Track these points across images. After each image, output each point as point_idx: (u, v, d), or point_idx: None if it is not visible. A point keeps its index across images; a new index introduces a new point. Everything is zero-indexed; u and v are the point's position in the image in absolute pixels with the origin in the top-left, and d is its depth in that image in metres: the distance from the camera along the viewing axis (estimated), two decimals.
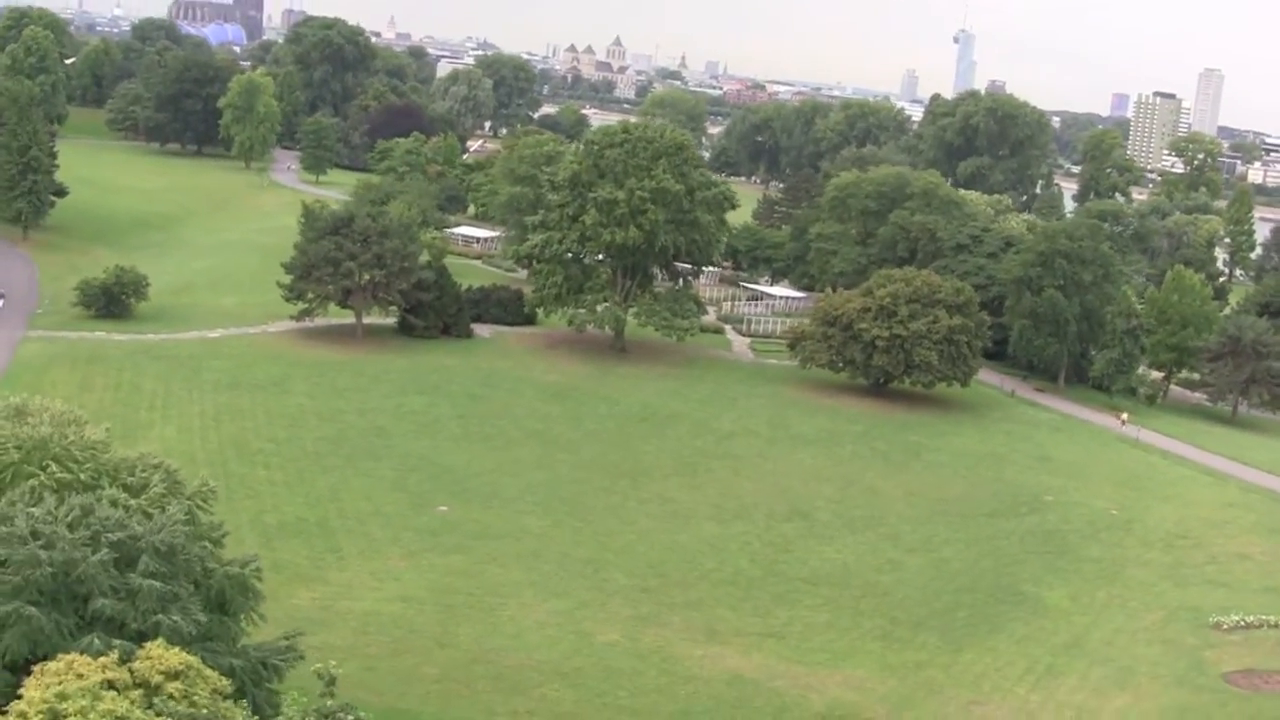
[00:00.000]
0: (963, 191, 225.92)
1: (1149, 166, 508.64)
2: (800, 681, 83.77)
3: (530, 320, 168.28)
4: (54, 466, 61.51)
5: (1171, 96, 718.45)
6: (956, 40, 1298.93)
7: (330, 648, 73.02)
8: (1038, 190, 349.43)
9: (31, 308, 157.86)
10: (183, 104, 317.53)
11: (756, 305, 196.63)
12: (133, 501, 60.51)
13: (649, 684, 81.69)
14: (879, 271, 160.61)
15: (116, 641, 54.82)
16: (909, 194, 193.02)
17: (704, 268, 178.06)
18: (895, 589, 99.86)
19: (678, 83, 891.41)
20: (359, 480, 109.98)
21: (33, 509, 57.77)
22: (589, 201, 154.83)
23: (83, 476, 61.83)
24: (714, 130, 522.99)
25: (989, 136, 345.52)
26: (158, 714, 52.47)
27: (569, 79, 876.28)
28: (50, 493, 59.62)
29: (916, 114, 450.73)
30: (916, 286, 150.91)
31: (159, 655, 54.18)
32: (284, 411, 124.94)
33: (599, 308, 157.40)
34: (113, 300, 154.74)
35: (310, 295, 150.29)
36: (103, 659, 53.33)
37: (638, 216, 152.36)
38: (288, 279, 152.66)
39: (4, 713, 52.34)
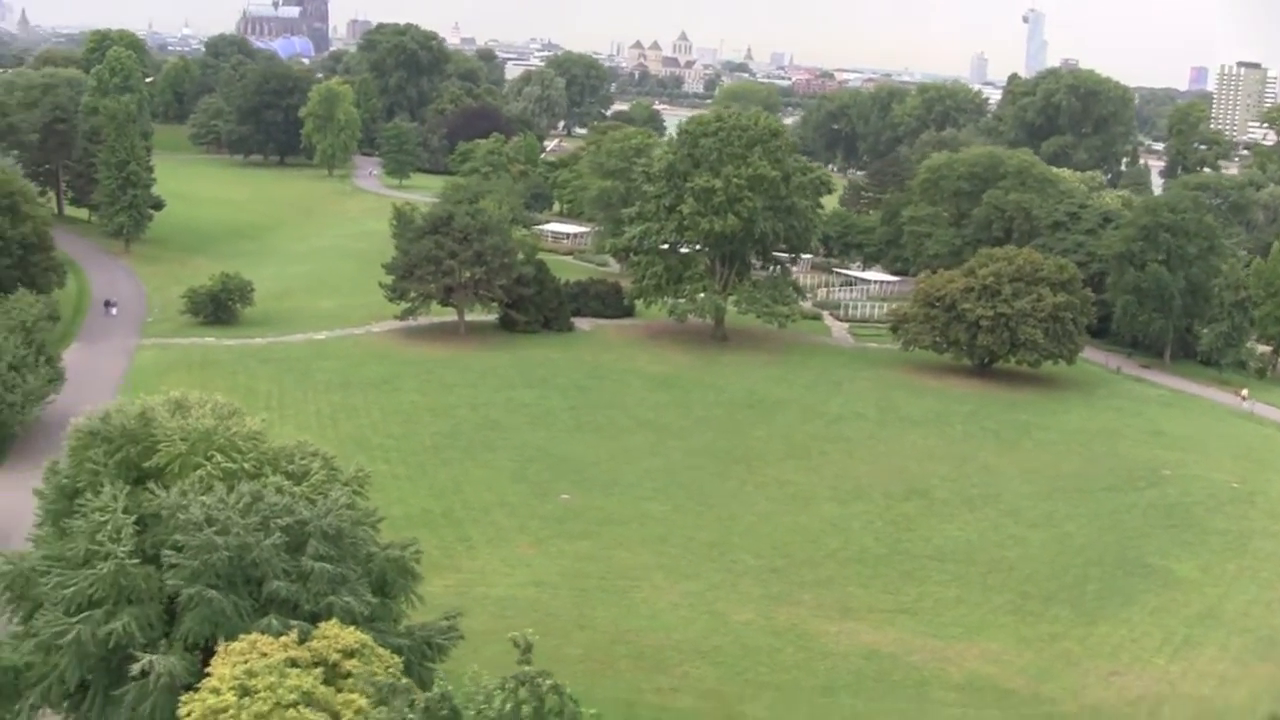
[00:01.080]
0: (1054, 169, 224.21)
1: (1236, 139, 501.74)
2: (937, 655, 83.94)
3: (629, 312, 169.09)
4: (219, 456, 62.49)
5: (1256, 66, 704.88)
6: (1026, 20, 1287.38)
7: (472, 632, 73.29)
8: (1123, 167, 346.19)
9: (141, 317, 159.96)
10: (263, 115, 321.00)
11: (851, 291, 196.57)
12: (296, 488, 61.54)
13: (787, 660, 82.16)
14: (980, 251, 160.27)
15: (293, 622, 55.89)
16: (1002, 173, 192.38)
17: (801, 254, 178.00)
18: (1021, 564, 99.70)
19: (745, 75, 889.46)
20: (479, 472, 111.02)
21: (204, 497, 58.93)
22: (685, 191, 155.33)
23: (246, 465, 62.78)
24: (788, 120, 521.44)
25: (1071, 114, 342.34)
26: (337, 690, 53.55)
27: (636, 76, 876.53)
28: (218, 481, 60.68)
29: (993, 96, 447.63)
30: (1019, 265, 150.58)
31: (335, 634, 55.31)
32: (397, 408, 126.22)
33: (699, 297, 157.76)
34: (220, 306, 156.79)
35: (413, 294, 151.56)
36: (283, 638, 54.49)
37: (735, 204, 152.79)
38: (388, 279, 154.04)
39: (195, 689, 53.48)
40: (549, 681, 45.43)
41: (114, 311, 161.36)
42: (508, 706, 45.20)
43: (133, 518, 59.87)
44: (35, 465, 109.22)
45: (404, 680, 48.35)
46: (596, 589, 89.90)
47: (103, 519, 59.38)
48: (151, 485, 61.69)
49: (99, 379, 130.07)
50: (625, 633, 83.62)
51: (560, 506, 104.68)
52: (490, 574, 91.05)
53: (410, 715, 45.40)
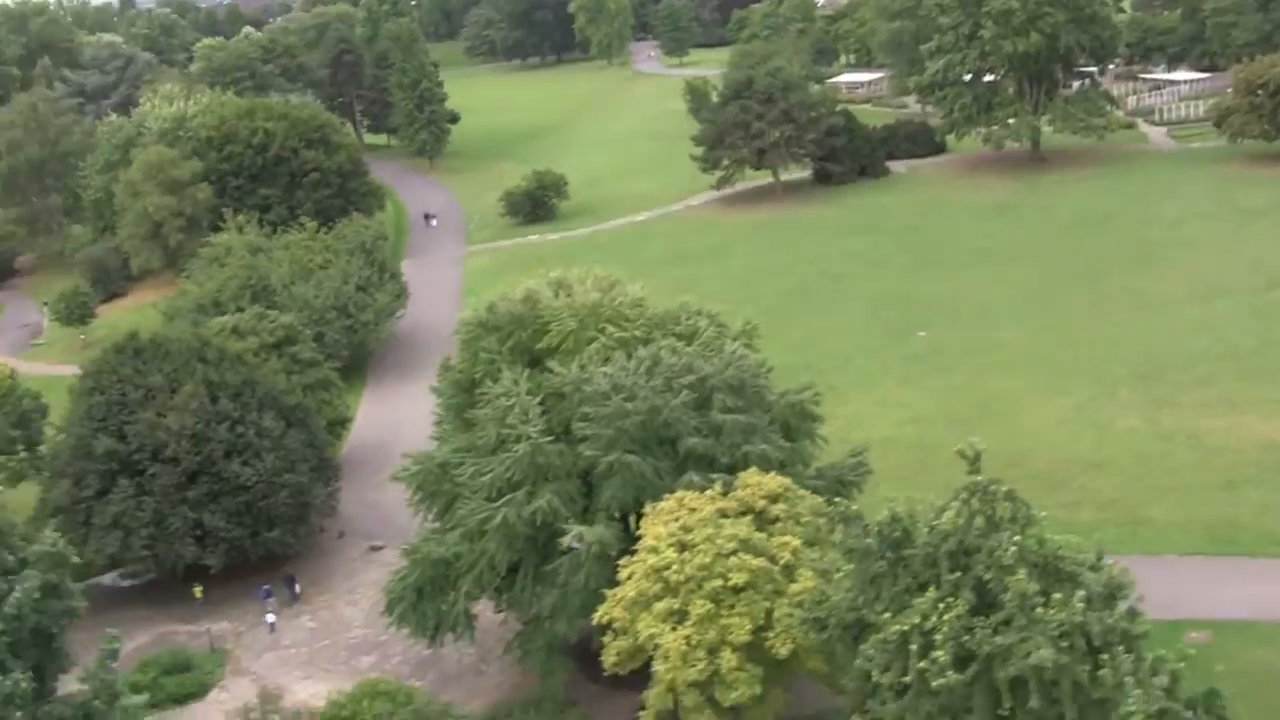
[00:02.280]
0: None
1: None
2: None
3: (941, 149, 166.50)
4: (609, 327, 63.43)
5: None
6: None
7: None
8: None
9: (462, 226, 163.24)
10: (534, 17, 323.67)
11: (1160, 94, 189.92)
12: (689, 348, 62.05)
13: (1182, 462, 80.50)
14: None
15: (713, 475, 56.48)
16: None
17: (1107, 65, 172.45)
18: None
19: None
20: (829, 321, 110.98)
21: (605, 368, 59.84)
22: (983, 16, 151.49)
23: (637, 332, 63.64)
24: None
25: None
26: (770, 536, 54.05)
27: None
28: (613, 351, 61.55)
29: None
30: None
31: (757, 482, 55.82)
32: (734, 273, 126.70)
33: (1011, 122, 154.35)
34: (537, 204, 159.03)
35: (725, 162, 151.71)
36: (708, 492, 55.09)
37: (1036, 21, 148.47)
38: (698, 152, 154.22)
39: (631, 553, 54.58)
40: (1003, 488, 45.05)
41: (434, 224, 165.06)
42: (961, 520, 44.95)
43: (537, 398, 61.20)
44: (398, 379, 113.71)
45: (854, 508, 48.53)
46: (974, 418, 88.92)
47: (508, 403, 60.81)
48: (550, 364, 62.93)
49: (438, 289, 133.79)
50: (1014, 455, 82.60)
51: (918, 344, 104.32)
52: (865, 417, 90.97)
53: (868, 541, 45.51)
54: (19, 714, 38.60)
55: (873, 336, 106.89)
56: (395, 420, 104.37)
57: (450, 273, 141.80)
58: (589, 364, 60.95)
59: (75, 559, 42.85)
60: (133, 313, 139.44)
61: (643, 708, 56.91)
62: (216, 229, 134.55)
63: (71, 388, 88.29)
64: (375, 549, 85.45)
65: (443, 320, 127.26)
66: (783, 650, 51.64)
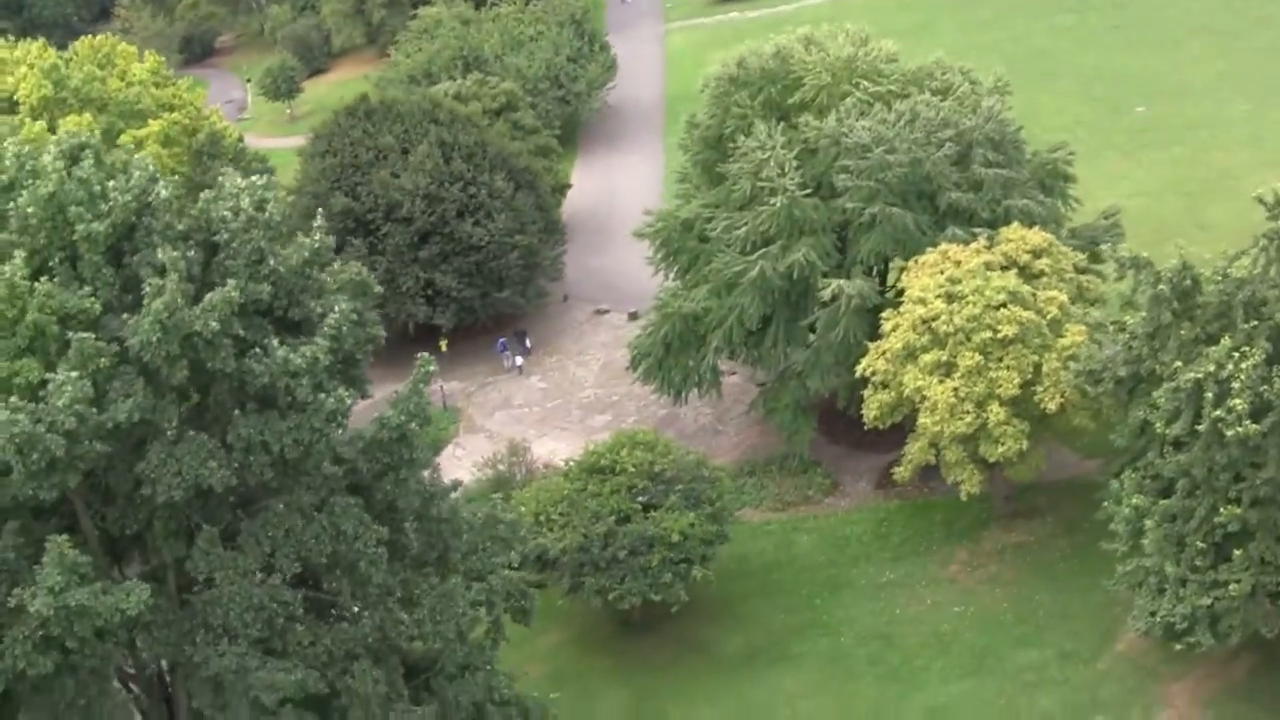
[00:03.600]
0: None
1: None
2: None
3: None
4: (864, 82, 62.87)
5: None
6: None
7: None
8: None
9: (658, 4, 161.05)
10: None
11: None
12: (944, 103, 61.38)
13: None
14: None
15: (976, 230, 56.22)
16: None
17: None
18: None
19: None
20: (1045, 97, 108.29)
21: (864, 121, 59.44)
22: None
23: (892, 87, 63.04)
24: None
25: None
26: (1034, 291, 53.84)
27: None
28: (869, 106, 61.09)
29: None
30: None
31: (1020, 236, 55.58)
32: (941, 49, 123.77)
33: None
34: None
35: None
36: (974, 245, 54.86)
37: None
38: None
39: (897, 306, 54.69)
40: None
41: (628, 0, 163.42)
42: (1256, 269, 44.59)
43: (793, 152, 60.99)
44: (609, 149, 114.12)
45: (1143, 254, 48.12)
46: (1202, 192, 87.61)
47: (764, 156, 60.64)
48: (805, 118, 62.58)
49: (640, 64, 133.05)
50: (1249, 227, 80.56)
51: (1138, 118, 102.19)
52: (1090, 191, 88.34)
53: (1161, 288, 45.17)
54: (339, 431, 39.40)
55: (1089, 111, 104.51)
56: (610, 188, 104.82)
57: (651, 49, 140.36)
58: (845, 118, 60.50)
59: (378, 288, 43.40)
60: (338, 87, 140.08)
61: (894, 465, 57.55)
62: (418, 4, 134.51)
63: (302, 150, 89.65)
64: (601, 312, 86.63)
65: (648, 95, 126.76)
66: (1051, 404, 51.65)
